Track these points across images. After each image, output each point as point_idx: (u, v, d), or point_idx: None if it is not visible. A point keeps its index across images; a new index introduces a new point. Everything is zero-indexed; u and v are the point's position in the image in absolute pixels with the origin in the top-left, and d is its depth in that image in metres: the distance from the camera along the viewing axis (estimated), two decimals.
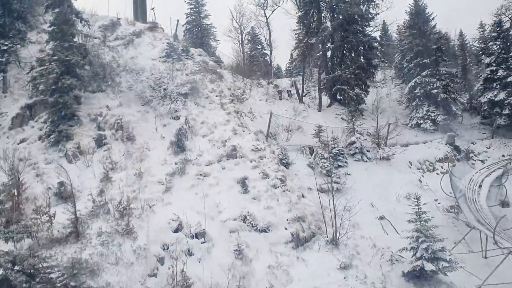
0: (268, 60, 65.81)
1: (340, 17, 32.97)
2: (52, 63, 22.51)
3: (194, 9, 55.47)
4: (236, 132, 23.14)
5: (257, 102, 29.25)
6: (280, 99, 31.45)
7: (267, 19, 46.50)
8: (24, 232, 14.76)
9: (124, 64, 26.61)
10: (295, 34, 56.07)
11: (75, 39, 24.49)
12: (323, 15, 33.92)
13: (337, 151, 24.55)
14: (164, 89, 24.94)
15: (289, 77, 60.00)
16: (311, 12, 33.69)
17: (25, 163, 20.67)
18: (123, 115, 23.46)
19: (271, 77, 39.89)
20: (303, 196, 21.00)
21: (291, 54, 65.68)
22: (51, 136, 21.53)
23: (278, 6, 46.51)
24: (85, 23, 26.52)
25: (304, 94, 32.82)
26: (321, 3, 33.27)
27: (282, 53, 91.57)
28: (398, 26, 44.25)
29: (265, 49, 67.00)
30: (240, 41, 63.33)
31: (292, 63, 58.79)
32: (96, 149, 21.59)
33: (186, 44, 32.69)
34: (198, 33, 54.54)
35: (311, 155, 24.91)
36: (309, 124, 28.26)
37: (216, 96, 25.37)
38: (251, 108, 27.37)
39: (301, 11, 34.49)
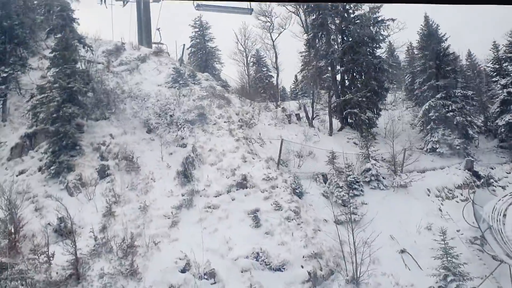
0: (274, 82, 65.48)
1: (350, 39, 31.96)
2: (53, 91, 21.58)
3: (199, 32, 55.58)
4: (245, 159, 21.96)
5: (266, 126, 28.12)
6: (289, 123, 30.32)
7: (273, 42, 45.83)
8: (19, 279, 13.45)
9: (128, 91, 25.66)
10: (302, 56, 56.08)
11: (78, 65, 23.60)
12: (332, 37, 32.94)
13: (353, 179, 23.28)
14: (171, 116, 23.93)
15: (295, 99, 59.37)
16: (320, 34, 32.82)
17: (24, 196, 19.55)
18: (127, 143, 22.39)
19: (278, 100, 38.84)
20: (319, 229, 19.67)
21: (296, 76, 65.15)
22: (51, 168, 20.42)
23: (284, 29, 45.89)
24: (88, 48, 25.72)
25: (313, 117, 31.68)
26: (330, 25, 32.40)
27: (286, 74, 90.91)
28: (408, 47, 43.56)
29: (270, 71, 66.64)
30: (245, 64, 62.99)
31: (298, 85, 57.96)
32: (98, 181, 20.45)
33: (193, 68, 31.75)
34: (203, 56, 54.61)
35: (325, 183, 23.65)
36: (321, 149, 27.11)
37: (224, 122, 24.28)
38: (260, 134, 26.23)
39: (309, 34, 33.62)
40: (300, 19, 44.79)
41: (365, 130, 30.92)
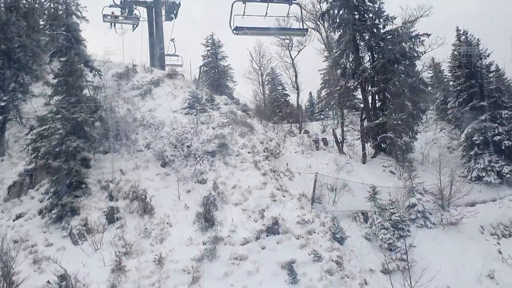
0: (291, 101, 62.75)
1: (381, 56, 29.11)
2: (56, 122, 18.96)
3: (211, 51, 53.98)
4: (275, 198, 18.99)
5: (292, 155, 25.21)
6: (317, 149, 27.34)
7: (292, 60, 43.02)
8: None
9: (141, 118, 23.03)
10: (321, 74, 53.35)
11: (84, 92, 21.04)
12: (361, 55, 30.14)
13: (398, 218, 20.14)
14: (188, 147, 21.17)
15: (312, 118, 56.75)
16: (347, 52, 30.03)
17: (21, 245, 16.91)
18: (139, 180, 19.63)
19: (301, 123, 36.00)
20: (365, 283, 16.53)
21: (310, 93, 62.59)
22: (53, 211, 17.80)
23: (304, 46, 43.18)
24: (96, 72, 23.23)
25: (343, 143, 28.74)
26: (358, 42, 29.63)
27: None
28: (432, 62, 40.52)
29: (285, 90, 64.32)
30: (260, 83, 60.51)
31: (318, 104, 55.19)
32: (107, 226, 17.70)
33: (210, 91, 29.08)
34: (215, 75, 52.22)
35: (366, 222, 20.55)
36: (357, 179, 24.16)
37: (248, 152, 21.40)
38: (287, 164, 23.31)
39: (336, 51, 30.86)
40: (321, 35, 42.37)
41: (401, 156, 27.92)
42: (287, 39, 42.67)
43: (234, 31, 15.58)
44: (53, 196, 18.22)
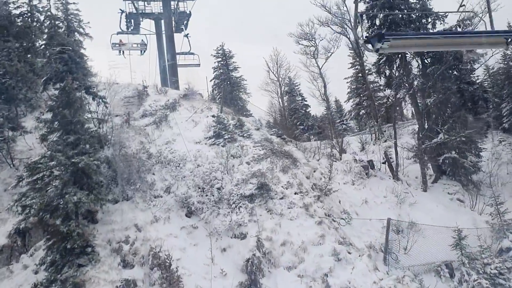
0: (311, 112, 58.60)
1: (432, 62, 24.58)
2: (52, 170, 14.68)
3: (222, 62, 50.15)
4: (339, 256, 14.54)
5: (342, 186, 20.73)
6: (368, 176, 22.82)
7: (320, 69, 38.71)
8: None
9: (157, 154, 18.70)
10: (348, 82, 48.71)
11: (86, 126, 16.74)
12: (408, 60, 25.63)
13: (496, 270, 15.54)
14: (218, 190, 16.76)
15: (337, 129, 52.41)
16: (392, 58, 25.54)
17: None
18: (160, 237, 15.24)
19: (341, 144, 31.43)
20: None
21: (336, 101, 58.29)
22: None
23: (332, 53, 38.90)
24: (101, 100, 19.00)
25: (397, 167, 24.13)
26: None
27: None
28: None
29: (305, 101, 60.35)
30: (279, 95, 56.17)
31: (347, 114, 50.61)
32: None
33: (234, 112, 24.75)
34: (227, 87, 48.67)
35: (451, 276, 15.97)
36: (423, 213, 19.70)
37: (295, 193, 16.96)
38: (340, 202, 18.82)
39: (378, 58, 26.36)
40: (349, 40, 37.97)
41: (465, 179, 23.35)
42: (312, 46, 38.47)
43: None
44: (50, 267, 13.88)
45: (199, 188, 16.92)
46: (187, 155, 18.59)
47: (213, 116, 21.81)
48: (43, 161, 14.96)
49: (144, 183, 17.16)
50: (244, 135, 20.11)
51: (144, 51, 28.23)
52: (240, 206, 16.08)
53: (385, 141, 32.35)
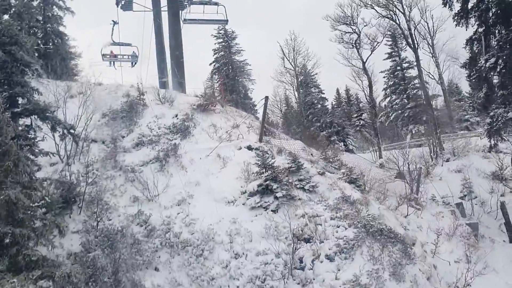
0: (328, 106, 50.92)
1: None
2: None
3: (223, 44, 42.32)
4: None
5: (457, 268, 12.85)
6: (476, 239, 15.14)
7: (364, 63, 30.35)
8: None
9: (163, 227, 10.74)
10: (384, 77, 40.34)
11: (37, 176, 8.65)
12: None
13: None
14: None
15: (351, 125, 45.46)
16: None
17: None
18: None
19: (418, 186, 23.56)
20: None
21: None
22: None
23: (379, 43, 30.63)
24: (66, 132, 10.84)
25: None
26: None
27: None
28: None
29: (323, 93, 52.45)
30: (295, 86, 47.82)
31: (382, 116, 42.34)
32: None
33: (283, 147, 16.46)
34: (229, 72, 41.60)
35: None
36: None
37: None
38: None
39: (487, 58, 17.90)
40: (399, 26, 29.72)
41: None
42: (354, 33, 30.07)
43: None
44: None
45: None
46: (215, 231, 10.62)
47: (249, 148, 13.78)
48: None
49: None
50: (306, 187, 12.09)
51: (135, 63, 24.22)
52: None
53: (447, 160, 24.92)
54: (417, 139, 32.79)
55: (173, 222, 10.87)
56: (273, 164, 12.08)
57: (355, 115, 60.25)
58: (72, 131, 11.01)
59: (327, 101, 52.20)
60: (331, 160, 16.08)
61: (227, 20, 22.19)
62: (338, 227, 10.53)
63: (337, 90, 54.26)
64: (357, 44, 29.85)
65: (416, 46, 29.20)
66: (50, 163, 12.67)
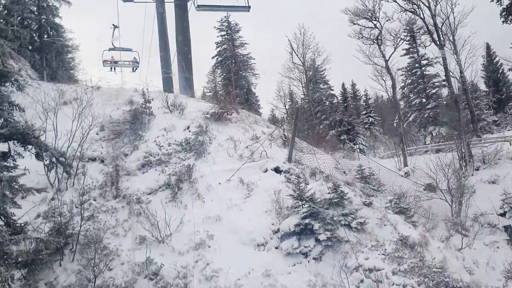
0: (337, 102, 48.90)
1: None
2: None
3: (226, 37, 41.67)
4: None
5: None
6: None
7: (386, 61, 27.81)
8: None
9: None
10: (402, 75, 37.63)
11: None
12: None
13: None
14: None
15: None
16: None
17: None
18: None
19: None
20: None
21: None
22: None
23: (403, 40, 28.13)
24: (55, 161, 8.50)
25: None
26: None
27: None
28: None
29: (332, 89, 50.34)
30: (304, 83, 45.38)
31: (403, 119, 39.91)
32: None
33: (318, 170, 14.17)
34: (232, 66, 40.96)
35: None
36: None
37: None
38: None
39: None
40: (423, 20, 27.26)
41: None
42: (376, 28, 27.53)
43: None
44: None
45: None
46: None
47: (276, 170, 11.45)
48: None
49: None
50: (353, 224, 9.77)
51: (136, 68, 23.25)
52: None
53: (477, 169, 22.95)
54: (439, 143, 30.47)
55: (191, 274, 8.56)
56: (312, 196, 9.74)
57: (363, 112, 58.09)
58: (62, 159, 8.64)
59: (337, 98, 50.21)
60: (368, 180, 13.77)
61: (249, 6, 19.52)
62: (405, 286, 8.20)
63: (343, 85, 52.23)
64: (378, 40, 27.37)
65: (443, 42, 26.78)
66: (37, 188, 10.36)
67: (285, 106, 53.13)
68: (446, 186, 17.89)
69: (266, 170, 11.58)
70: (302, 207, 9.61)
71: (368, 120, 57.36)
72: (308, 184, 10.79)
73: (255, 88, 46.48)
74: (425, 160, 26.44)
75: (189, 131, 13.05)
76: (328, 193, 10.30)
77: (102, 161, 11.76)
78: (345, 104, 49.69)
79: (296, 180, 10.73)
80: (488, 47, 42.22)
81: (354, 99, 57.94)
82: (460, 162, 24.34)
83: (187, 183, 10.89)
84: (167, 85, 20.54)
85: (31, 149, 7.88)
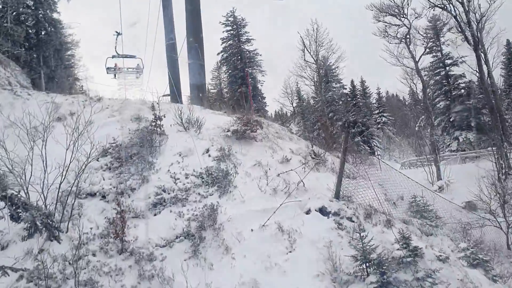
0: (349, 103, 47.19)
1: None
2: None
3: (232, 32, 41.00)
4: None
5: None
6: None
7: (416, 62, 25.24)
8: None
9: None
10: (425, 74, 35.06)
11: None
12: None
13: None
14: None
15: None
16: None
17: None
18: None
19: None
20: None
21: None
22: None
23: (433, 39, 25.55)
24: (39, 222, 6.12)
25: None
26: None
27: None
28: None
29: (345, 88, 48.67)
30: (317, 82, 43.02)
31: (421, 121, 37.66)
32: None
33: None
34: (238, 63, 40.16)
35: None
36: None
37: None
38: None
39: None
40: (455, 17, 24.70)
41: None
42: (404, 25, 25.00)
43: None
44: None
45: None
46: None
47: (322, 211, 9.09)
48: None
49: None
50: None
51: (140, 75, 23.25)
52: None
53: None
54: (469, 150, 28.13)
55: None
56: (381, 257, 7.38)
57: (376, 111, 55.79)
58: (49, 221, 6.30)
59: (348, 96, 48.67)
60: (423, 214, 11.39)
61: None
62: None
63: (352, 82, 50.43)
64: (407, 39, 24.81)
65: (478, 41, 24.31)
66: (21, 236, 7.98)
67: (292, 104, 51.14)
68: (494, 205, 15.70)
69: (309, 211, 9.21)
70: (367, 272, 7.26)
71: (381, 119, 55.07)
72: (364, 231, 8.42)
73: (261, 85, 44.52)
74: (457, 171, 24.12)
75: (209, 155, 10.69)
76: (397, 248, 7.92)
77: (104, 197, 9.43)
78: (354, 102, 48.03)
79: (352, 228, 8.35)
80: (508, 43, 39.84)
81: (364, 96, 56.01)
82: (499, 175, 22.09)
83: (211, 230, 8.54)
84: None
85: (3, 208, 5.51)
